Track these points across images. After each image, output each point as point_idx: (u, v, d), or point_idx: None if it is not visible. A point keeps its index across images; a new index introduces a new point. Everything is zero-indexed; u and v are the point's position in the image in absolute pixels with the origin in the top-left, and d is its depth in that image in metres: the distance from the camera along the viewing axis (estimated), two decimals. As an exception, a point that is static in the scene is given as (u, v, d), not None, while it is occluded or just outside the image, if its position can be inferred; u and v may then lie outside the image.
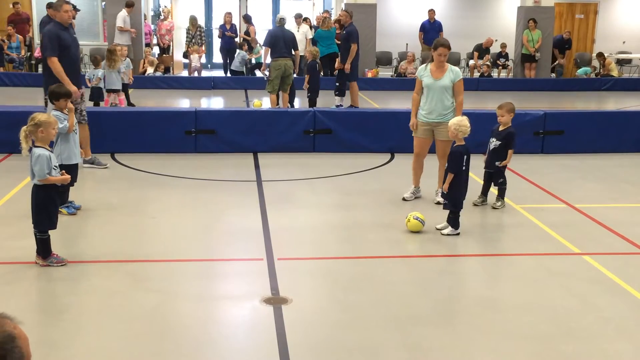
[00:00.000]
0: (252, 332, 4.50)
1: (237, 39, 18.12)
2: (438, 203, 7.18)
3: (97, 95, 11.68)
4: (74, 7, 12.65)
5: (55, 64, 7.89)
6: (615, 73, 19.26)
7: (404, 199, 7.44)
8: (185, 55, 18.09)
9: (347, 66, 12.65)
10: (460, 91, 7.17)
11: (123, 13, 15.62)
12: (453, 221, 6.36)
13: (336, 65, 13.18)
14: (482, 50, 19.07)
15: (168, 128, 9.53)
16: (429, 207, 7.16)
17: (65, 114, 6.66)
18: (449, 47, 7.10)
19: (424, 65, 7.44)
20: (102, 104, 11.68)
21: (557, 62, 19.30)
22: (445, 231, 6.37)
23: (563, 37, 19.45)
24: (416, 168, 7.49)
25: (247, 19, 18.44)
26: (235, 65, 17.37)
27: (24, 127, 5.27)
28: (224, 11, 18.92)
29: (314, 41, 15.23)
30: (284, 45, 11.88)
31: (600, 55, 19.47)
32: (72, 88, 7.82)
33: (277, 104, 12.14)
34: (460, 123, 6.34)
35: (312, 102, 12.76)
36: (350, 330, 4.45)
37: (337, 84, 13.08)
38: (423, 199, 7.49)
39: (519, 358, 4.21)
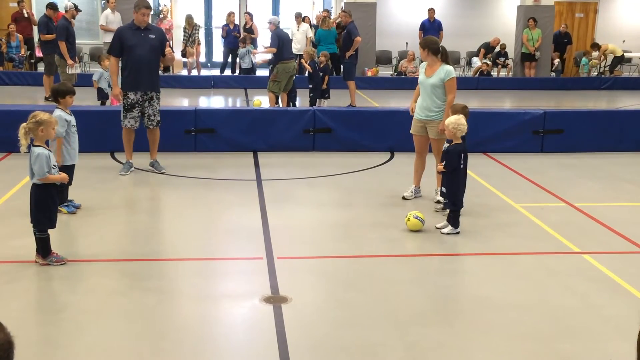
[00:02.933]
0: (252, 331, 4.50)
1: (241, 36, 18.09)
2: (438, 202, 7.18)
3: (102, 95, 11.72)
4: (76, 7, 12.64)
5: (111, 62, 8.39)
6: (619, 52, 19.27)
7: (404, 198, 7.44)
8: (184, 54, 18.09)
9: (349, 53, 13.43)
10: (450, 90, 7.11)
11: (106, 11, 15.43)
12: (453, 220, 6.37)
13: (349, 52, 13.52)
14: (489, 48, 19.04)
15: (168, 127, 9.49)
16: (429, 206, 7.16)
17: (68, 113, 6.65)
18: (422, 46, 7.16)
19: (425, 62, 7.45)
20: (108, 103, 11.69)
21: (554, 66, 19.26)
22: (444, 230, 6.37)
23: (560, 31, 19.36)
24: (417, 167, 7.49)
25: (251, 16, 18.42)
26: (246, 63, 17.38)
27: (24, 124, 5.27)
28: (224, 10, 18.89)
29: (316, 41, 15.24)
30: (290, 47, 11.99)
31: (595, 46, 19.49)
32: (115, 90, 8.32)
33: (277, 103, 12.14)
34: (458, 122, 6.34)
35: (313, 101, 12.78)
36: (350, 329, 4.45)
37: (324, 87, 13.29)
38: (423, 198, 7.49)
39: (517, 357, 4.21)
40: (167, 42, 8.48)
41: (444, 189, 6.48)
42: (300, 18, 16.79)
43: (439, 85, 7.10)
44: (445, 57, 7.24)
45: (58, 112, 6.48)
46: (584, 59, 19.69)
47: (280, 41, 11.83)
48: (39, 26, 13.47)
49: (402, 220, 6.47)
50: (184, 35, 17.80)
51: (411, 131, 7.44)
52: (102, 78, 11.73)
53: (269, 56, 12.12)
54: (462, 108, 6.77)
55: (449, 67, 7.19)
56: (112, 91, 8.51)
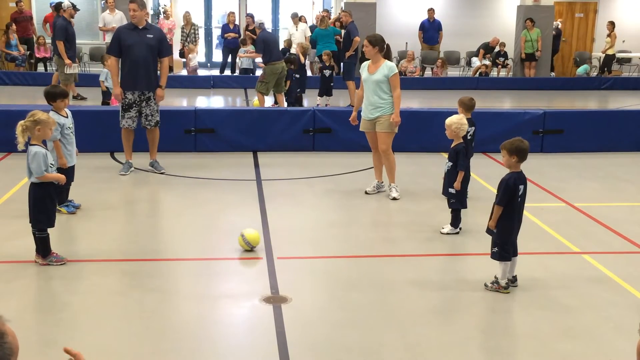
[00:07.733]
0: (252, 331, 4.50)
1: (240, 38, 18.08)
2: (394, 199, 7.32)
3: (107, 96, 11.74)
4: (74, 6, 12.60)
5: (110, 63, 8.47)
6: (609, 50, 19.17)
7: (366, 193, 7.59)
8: (182, 54, 18.05)
9: (348, 53, 13.58)
10: (395, 85, 7.35)
11: (104, 13, 15.42)
12: (453, 220, 6.36)
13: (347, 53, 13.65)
14: (488, 48, 18.99)
15: (167, 127, 9.49)
16: (431, 207, 7.16)
17: (63, 116, 6.63)
18: (369, 41, 7.29)
19: (368, 61, 7.55)
20: (109, 103, 11.69)
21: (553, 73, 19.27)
22: (444, 230, 6.37)
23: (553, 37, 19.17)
24: (376, 162, 7.72)
25: (252, 17, 18.45)
26: (246, 63, 17.39)
27: (22, 122, 5.27)
28: (224, 10, 18.87)
29: (313, 41, 15.24)
30: (278, 49, 12.00)
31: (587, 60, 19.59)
32: (116, 90, 8.30)
33: (276, 103, 12.17)
34: (460, 121, 6.34)
35: (299, 98, 12.96)
36: (350, 329, 4.45)
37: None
38: (424, 198, 7.49)
39: (518, 357, 4.22)
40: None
41: (452, 190, 6.38)
42: (297, 18, 16.82)
43: (383, 81, 7.31)
44: (388, 54, 7.54)
45: (51, 115, 6.46)
46: (582, 67, 19.62)
47: (266, 44, 11.85)
48: (55, 28, 13.29)
49: (402, 220, 6.47)
50: (182, 35, 17.77)
51: (361, 129, 7.63)
52: (108, 77, 11.77)
53: (259, 59, 12.18)
54: (469, 100, 7.08)
55: (392, 63, 7.46)
56: (113, 91, 8.58)
